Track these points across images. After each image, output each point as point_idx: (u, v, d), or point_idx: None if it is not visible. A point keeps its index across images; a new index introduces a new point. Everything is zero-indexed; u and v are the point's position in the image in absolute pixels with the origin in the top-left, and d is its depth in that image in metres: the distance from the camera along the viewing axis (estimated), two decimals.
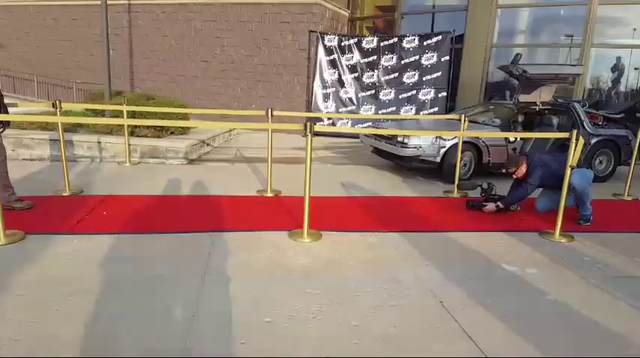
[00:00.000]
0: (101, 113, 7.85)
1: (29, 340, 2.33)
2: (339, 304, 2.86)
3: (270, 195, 5.40)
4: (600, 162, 6.85)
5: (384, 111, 10.74)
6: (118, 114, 7.34)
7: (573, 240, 4.26)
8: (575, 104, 6.75)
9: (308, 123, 3.81)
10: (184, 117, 8.08)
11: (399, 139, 6.39)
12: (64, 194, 4.91)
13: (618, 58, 9.22)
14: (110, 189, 5.21)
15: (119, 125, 7.04)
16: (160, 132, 7.54)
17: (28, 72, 13.53)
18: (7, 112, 4.08)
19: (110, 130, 7.17)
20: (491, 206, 4.91)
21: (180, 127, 7.82)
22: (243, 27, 11.54)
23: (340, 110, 11.03)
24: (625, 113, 7.03)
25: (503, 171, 5.12)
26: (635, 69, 9.21)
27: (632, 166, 6.03)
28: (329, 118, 10.67)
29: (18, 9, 13.91)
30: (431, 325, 2.68)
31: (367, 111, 10.90)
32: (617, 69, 9.30)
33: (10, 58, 14.18)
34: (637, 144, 5.91)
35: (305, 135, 3.86)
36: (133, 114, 6.67)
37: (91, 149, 6.77)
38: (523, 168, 4.78)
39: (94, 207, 4.51)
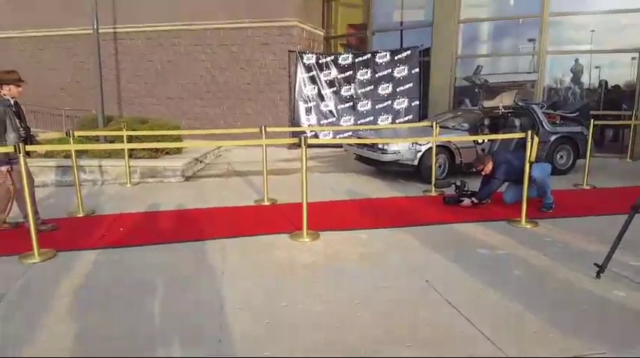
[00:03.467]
0: (95, 139, 8.26)
1: (85, 337, 2.81)
2: (341, 288, 3.41)
3: (267, 203, 5.94)
4: (561, 156, 7.64)
5: (362, 120, 11.44)
6: (114, 139, 7.82)
7: (537, 225, 4.91)
8: (534, 106, 7.53)
9: (303, 137, 4.37)
10: (177, 138, 8.55)
11: (380, 146, 7.03)
12: (78, 215, 5.35)
13: (571, 63, 10.16)
14: (119, 208, 5.67)
15: (116, 149, 7.51)
16: (156, 153, 8.01)
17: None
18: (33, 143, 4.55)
19: (109, 154, 7.59)
20: (466, 201, 5.55)
21: (175, 148, 8.30)
22: (225, 49, 12.12)
23: (322, 122, 11.68)
24: (580, 111, 7.84)
25: (473, 169, 5.78)
26: (587, 72, 10.16)
27: (587, 158, 6.78)
28: (312, 130, 11.29)
29: (2, 41, 14.18)
30: (419, 298, 3.24)
31: (347, 121, 11.57)
32: (571, 72, 10.22)
33: None
34: (590, 138, 6.68)
35: (300, 147, 4.42)
36: (129, 138, 7.13)
37: (92, 173, 7.19)
38: (489, 166, 5.44)
39: (110, 224, 4.97)
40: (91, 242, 4.39)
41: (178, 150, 8.66)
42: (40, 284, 3.50)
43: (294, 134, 9.72)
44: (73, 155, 5.43)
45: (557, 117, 7.74)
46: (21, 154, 3.74)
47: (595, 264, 3.49)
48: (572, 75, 10.23)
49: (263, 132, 5.97)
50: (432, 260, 3.97)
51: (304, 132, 11.15)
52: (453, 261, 3.94)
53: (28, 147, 4.13)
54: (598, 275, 3.45)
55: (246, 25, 11.84)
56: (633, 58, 9.59)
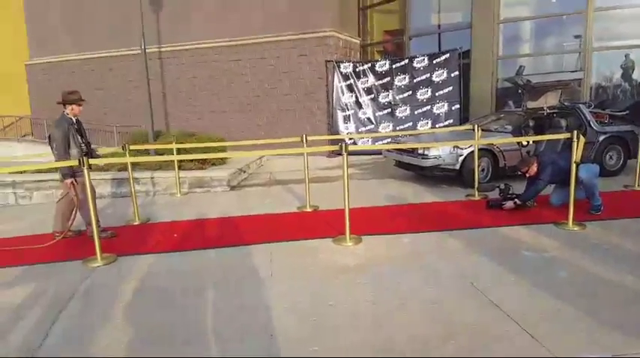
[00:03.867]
0: (146, 152, 8.72)
1: (151, 332, 3.02)
2: (386, 290, 3.48)
3: (309, 210, 6.09)
4: (610, 157, 7.35)
5: (401, 127, 11.45)
6: (163, 151, 8.25)
7: (585, 228, 4.78)
8: (581, 106, 7.31)
9: (343, 144, 4.49)
10: (222, 149, 8.89)
11: (420, 151, 7.04)
12: (134, 223, 5.69)
13: (620, 59, 9.74)
14: (172, 216, 5.98)
15: (167, 161, 7.93)
16: (203, 164, 8.36)
17: None
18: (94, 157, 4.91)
19: (159, 166, 8.01)
20: (509, 203, 5.48)
21: (220, 158, 8.63)
22: (264, 62, 12.49)
23: (360, 129, 11.77)
24: (630, 110, 7.53)
25: (518, 172, 5.69)
26: (638, 67, 9.71)
27: (639, 158, 6.51)
28: (350, 138, 11.40)
29: (55, 65, 15.22)
30: (464, 300, 3.26)
31: (385, 128, 11.60)
32: (620, 69, 9.80)
33: (53, 108, 15.42)
34: None
35: (340, 154, 4.54)
36: (178, 150, 7.50)
37: (145, 184, 7.60)
38: (534, 168, 5.35)
39: (164, 231, 5.27)
40: (148, 247, 4.69)
41: (223, 161, 9.00)
42: (105, 285, 3.78)
43: (333, 142, 9.86)
44: (129, 167, 5.79)
45: (606, 117, 7.47)
46: (85, 167, 4.05)
47: None
48: (621, 71, 9.83)
49: (304, 141, 6.14)
50: (477, 263, 3.97)
51: (343, 139, 11.34)
52: (499, 263, 3.91)
53: (91, 161, 4.46)
54: None
55: (284, 38, 12.16)
56: None
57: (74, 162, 4.30)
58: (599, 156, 7.13)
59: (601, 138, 7.19)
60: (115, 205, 6.92)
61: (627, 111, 7.49)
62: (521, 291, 3.35)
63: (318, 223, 5.45)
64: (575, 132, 4.64)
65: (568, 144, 7.02)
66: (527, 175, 5.44)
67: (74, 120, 4.85)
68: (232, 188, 7.97)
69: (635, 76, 9.80)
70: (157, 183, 7.66)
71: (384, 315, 3.07)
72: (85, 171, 4.10)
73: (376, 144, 11.10)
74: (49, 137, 4.79)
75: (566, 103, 7.55)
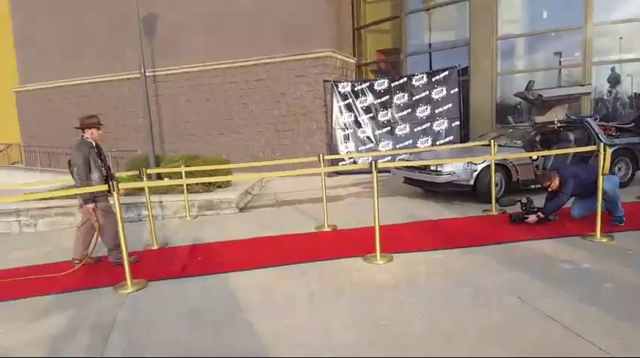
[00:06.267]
0: (148, 176, 8.55)
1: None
2: (435, 307, 3.39)
3: (328, 229, 5.99)
4: (619, 169, 7.46)
5: (400, 144, 11.48)
6: (169, 175, 8.12)
7: (613, 239, 4.78)
8: (589, 119, 7.43)
9: (373, 162, 4.44)
10: (228, 171, 8.77)
11: (433, 168, 7.04)
12: (153, 248, 5.51)
13: (617, 73, 10.02)
14: (189, 240, 5.82)
15: (173, 185, 7.80)
16: (209, 186, 8.23)
17: (64, 146, 14.42)
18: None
19: (165, 191, 7.84)
20: (532, 217, 5.47)
21: (225, 181, 8.51)
22: (262, 84, 12.49)
23: (360, 148, 11.78)
24: (635, 122, 7.69)
25: (539, 185, 5.71)
26: (636, 80, 9.99)
27: None
28: (350, 157, 11.37)
29: (46, 91, 14.99)
30: (520, 315, 3.19)
31: (385, 146, 11.63)
32: (618, 82, 10.08)
33: (48, 136, 15.15)
34: None
35: (371, 172, 4.49)
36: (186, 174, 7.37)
37: (154, 208, 7.37)
38: (556, 181, 5.37)
39: (188, 254, 5.12)
40: (177, 271, 4.54)
41: (228, 184, 8.87)
42: (143, 311, 3.62)
43: (333, 162, 9.80)
44: (147, 192, 5.66)
45: (613, 129, 7.61)
46: (115, 192, 3.91)
47: None
48: (618, 85, 10.09)
49: (321, 161, 6.08)
50: (516, 277, 3.91)
51: (343, 159, 11.33)
52: (539, 277, 3.86)
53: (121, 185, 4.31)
54: None
55: (281, 59, 12.21)
56: None
57: (103, 187, 4.16)
58: (609, 168, 7.21)
59: (610, 150, 7.28)
60: (128, 230, 6.63)
61: (633, 124, 7.65)
62: (572, 303, 3.30)
63: (342, 242, 5.36)
64: (602, 144, 4.68)
65: (578, 157, 7.18)
66: (550, 189, 5.46)
67: (94, 144, 4.72)
68: (241, 210, 7.84)
69: (632, 89, 10.06)
70: (165, 207, 7.48)
71: (445, 334, 2.97)
72: (115, 195, 3.95)
73: (382, 161, 11.09)
74: (69, 162, 4.64)
75: (573, 117, 7.68)
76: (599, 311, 3.14)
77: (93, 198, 4.52)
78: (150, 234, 5.73)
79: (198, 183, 8.02)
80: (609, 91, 10.19)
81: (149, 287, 4.11)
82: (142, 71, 9.45)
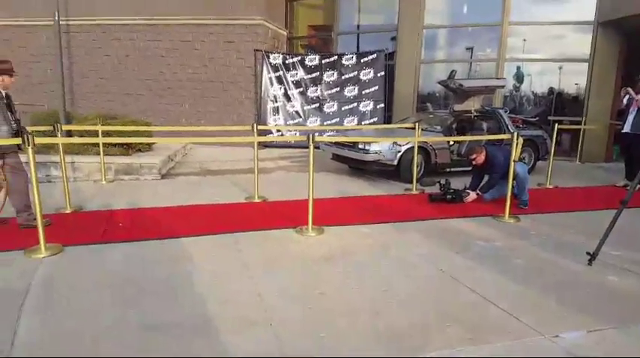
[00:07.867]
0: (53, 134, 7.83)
1: (133, 324, 2.76)
2: (365, 277, 3.56)
3: (258, 201, 5.96)
4: (523, 158, 8.23)
5: (328, 122, 11.63)
6: (82, 134, 7.49)
7: (519, 220, 5.33)
8: (500, 111, 8.11)
9: (311, 135, 4.47)
10: (149, 134, 8.30)
11: (361, 146, 7.26)
12: (66, 211, 5.09)
13: (522, 71, 11.00)
14: (106, 204, 5.46)
15: (85, 145, 7.23)
16: (127, 149, 7.72)
17: None
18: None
19: (78, 151, 7.23)
20: (472, 195, 5.92)
21: (146, 144, 8.05)
22: (188, 46, 11.83)
23: (288, 122, 11.75)
24: (539, 116, 8.55)
25: (454, 168, 6.15)
26: (539, 79, 11.07)
27: (551, 159, 7.44)
28: (278, 130, 11.32)
29: None
30: (443, 285, 3.47)
31: (313, 122, 11.72)
32: (527, 79, 11.06)
33: None
34: (553, 143, 7.36)
35: (301, 147, 4.53)
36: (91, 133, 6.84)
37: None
38: (482, 156, 5.82)
39: (107, 220, 4.79)
40: (96, 236, 4.25)
41: (149, 148, 8.41)
42: (60, 278, 3.37)
43: (260, 133, 9.67)
44: (61, 149, 5.17)
45: (520, 122, 8.38)
46: (30, 147, 3.53)
47: (587, 253, 3.89)
48: (527, 82, 11.07)
49: (255, 130, 5.98)
50: (438, 251, 4.22)
51: (270, 131, 11.27)
52: (459, 251, 4.21)
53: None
54: (590, 263, 3.86)
55: (210, 22, 11.64)
56: (582, 68, 10.37)
57: (15, 140, 3.72)
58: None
59: (521, 139, 8.05)
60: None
61: (537, 118, 8.49)
62: (487, 276, 3.65)
63: (274, 213, 5.38)
64: (516, 133, 5.15)
65: (491, 144, 7.82)
66: (475, 163, 5.89)
67: (4, 94, 4.21)
68: (163, 176, 7.49)
69: (539, 87, 11.10)
70: (77, 169, 6.91)
71: (376, 302, 3.14)
72: (30, 151, 3.56)
73: (303, 136, 11.15)
74: None
75: (487, 108, 8.32)
76: (511, 283, 3.51)
77: (1, 153, 4.04)
78: (62, 196, 5.28)
79: (115, 145, 7.49)
80: (516, 87, 11.16)
81: (65, 253, 3.81)
82: (56, 18, 8.49)
